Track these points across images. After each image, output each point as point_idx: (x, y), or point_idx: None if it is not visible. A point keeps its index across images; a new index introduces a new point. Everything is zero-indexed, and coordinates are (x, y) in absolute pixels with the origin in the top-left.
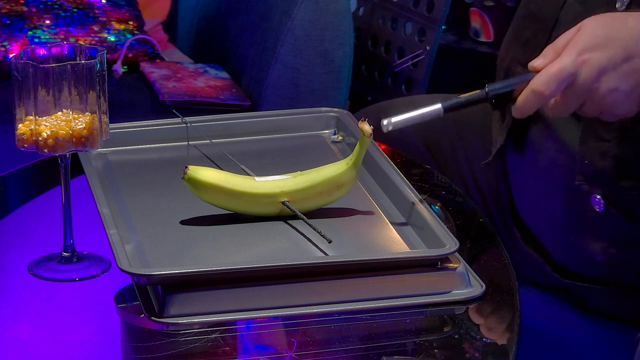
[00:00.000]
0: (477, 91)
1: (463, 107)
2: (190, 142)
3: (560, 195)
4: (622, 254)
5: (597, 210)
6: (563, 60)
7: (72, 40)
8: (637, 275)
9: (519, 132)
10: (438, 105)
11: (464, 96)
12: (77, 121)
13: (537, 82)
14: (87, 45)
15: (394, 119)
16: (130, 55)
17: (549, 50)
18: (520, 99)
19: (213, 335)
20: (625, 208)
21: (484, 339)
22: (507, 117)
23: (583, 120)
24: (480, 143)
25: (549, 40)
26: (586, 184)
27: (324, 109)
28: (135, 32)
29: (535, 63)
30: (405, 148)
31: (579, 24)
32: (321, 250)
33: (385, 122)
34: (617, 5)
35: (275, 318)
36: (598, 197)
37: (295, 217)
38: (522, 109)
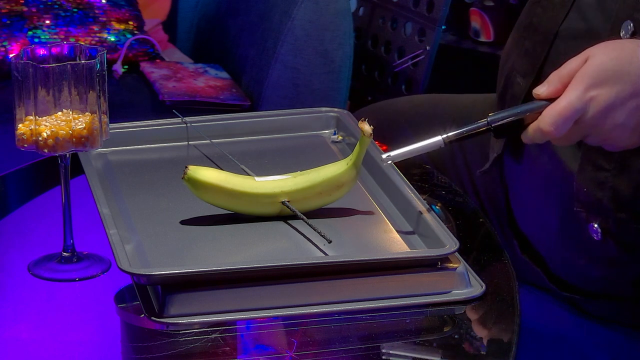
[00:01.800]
0: (479, 122)
1: (464, 139)
2: (190, 142)
3: (556, 210)
4: (618, 271)
5: (595, 238)
6: (570, 96)
7: (72, 40)
8: (633, 290)
9: (517, 141)
10: (438, 138)
11: (466, 128)
12: (77, 121)
13: (545, 122)
14: (87, 45)
15: (393, 153)
16: (130, 55)
17: (553, 78)
18: (529, 135)
19: (213, 335)
20: (622, 239)
21: (484, 339)
22: None
23: (583, 148)
24: (480, 149)
25: (548, 53)
26: (584, 212)
27: (324, 109)
28: (135, 32)
29: (539, 90)
30: None
31: (585, 53)
32: (321, 250)
33: (384, 156)
34: (621, 34)
35: (275, 318)
36: (595, 226)
37: (295, 217)
38: (531, 142)
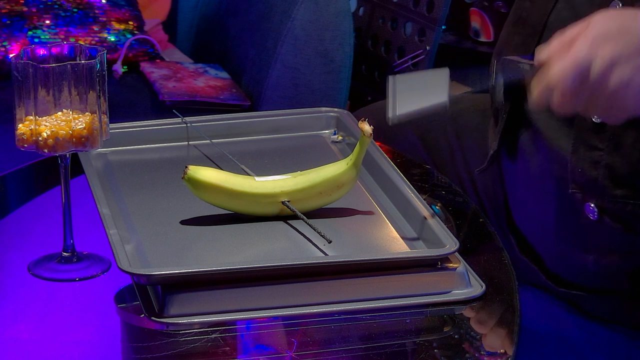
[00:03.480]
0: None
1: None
2: (190, 142)
3: (552, 205)
4: (614, 264)
5: (591, 218)
6: (577, 49)
7: (72, 40)
8: (629, 284)
9: (512, 138)
10: (444, 98)
11: (470, 91)
12: (77, 121)
13: (553, 76)
14: (87, 45)
15: (399, 112)
16: (130, 55)
17: (555, 42)
18: (537, 95)
19: (213, 335)
20: (618, 217)
21: (484, 339)
22: (499, 122)
23: (575, 128)
24: (478, 146)
25: (538, 45)
26: (580, 193)
27: (324, 109)
28: (135, 32)
29: (542, 53)
30: (404, 149)
31: (587, 20)
32: (321, 250)
33: (390, 115)
34: None
35: (275, 318)
36: (592, 205)
37: (295, 217)
38: (539, 103)
